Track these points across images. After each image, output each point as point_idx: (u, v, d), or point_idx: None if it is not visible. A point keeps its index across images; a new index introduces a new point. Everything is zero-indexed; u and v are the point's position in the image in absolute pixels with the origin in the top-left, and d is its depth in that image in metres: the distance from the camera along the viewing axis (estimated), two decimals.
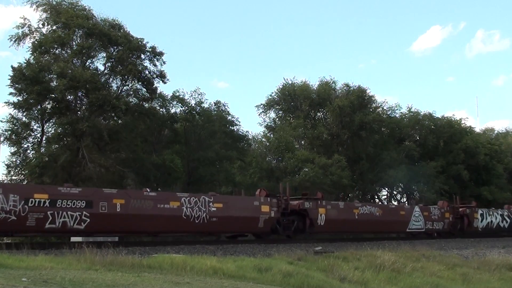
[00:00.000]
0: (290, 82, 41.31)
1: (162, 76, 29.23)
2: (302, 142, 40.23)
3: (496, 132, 58.11)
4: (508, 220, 34.76)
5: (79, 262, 10.89)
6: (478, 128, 53.35)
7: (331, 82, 40.81)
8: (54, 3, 28.02)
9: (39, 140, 27.06)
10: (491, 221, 33.06)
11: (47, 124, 27.55)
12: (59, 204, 15.94)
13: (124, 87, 28.90)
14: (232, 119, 36.19)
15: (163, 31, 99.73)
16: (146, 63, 28.71)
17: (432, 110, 46.05)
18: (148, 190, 18.88)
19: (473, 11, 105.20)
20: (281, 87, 41.13)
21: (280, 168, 35.15)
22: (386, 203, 40.43)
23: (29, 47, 27.04)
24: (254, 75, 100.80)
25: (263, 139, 38.53)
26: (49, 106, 26.85)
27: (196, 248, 16.44)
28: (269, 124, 41.93)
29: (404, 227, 27.73)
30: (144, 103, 29.45)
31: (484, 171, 44.12)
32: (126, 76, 27.99)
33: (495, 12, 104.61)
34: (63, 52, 27.62)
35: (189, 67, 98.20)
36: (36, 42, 26.86)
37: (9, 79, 25.24)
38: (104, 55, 28.22)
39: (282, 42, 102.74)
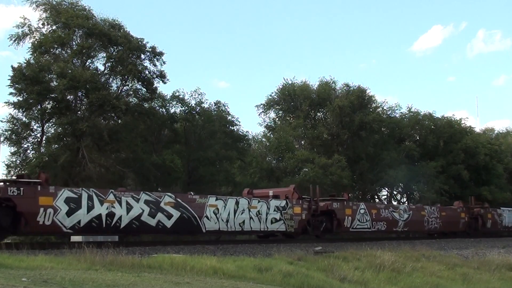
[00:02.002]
0: (290, 82, 41.27)
1: (162, 76, 29.29)
2: (302, 142, 40.20)
3: (496, 132, 58.08)
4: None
5: (79, 262, 10.88)
6: (478, 128, 53.30)
7: (331, 82, 40.77)
8: (54, 2, 28.00)
9: (39, 140, 27.06)
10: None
11: (47, 124, 27.55)
12: None
13: (124, 87, 28.98)
14: (232, 119, 36.21)
15: (163, 30, 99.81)
16: (146, 63, 28.83)
17: (432, 110, 46.06)
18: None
19: (475, 11, 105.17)
20: (281, 87, 41.08)
21: (280, 168, 35.16)
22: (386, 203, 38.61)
23: (29, 47, 27.11)
24: (254, 75, 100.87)
25: (263, 139, 38.54)
26: (49, 106, 26.85)
27: (196, 248, 16.44)
28: (269, 124, 41.89)
29: None
30: (144, 103, 29.48)
31: (484, 171, 44.07)
32: (126, 76, 28.03)
33: (497, 12, 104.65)
34: (63, 52, 27.64)
35: (189, 67, 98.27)
36: (36, 42, 26.87)
37: (9, 79, 25.28)
38: (104, 55, 28.28)
39: (282, 41, 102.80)
